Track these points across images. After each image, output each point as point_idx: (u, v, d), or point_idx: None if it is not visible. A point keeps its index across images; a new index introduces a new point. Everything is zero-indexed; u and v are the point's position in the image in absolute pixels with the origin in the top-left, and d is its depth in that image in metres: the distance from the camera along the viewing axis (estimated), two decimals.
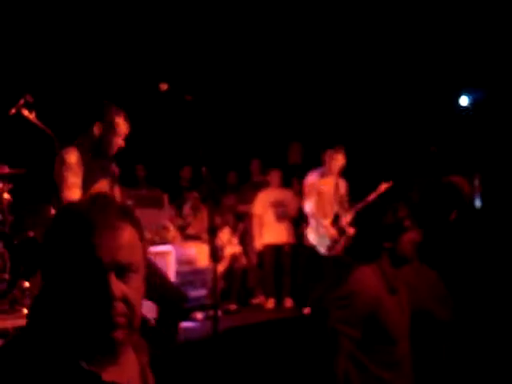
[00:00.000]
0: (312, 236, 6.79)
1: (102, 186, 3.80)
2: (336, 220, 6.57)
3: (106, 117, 3.76)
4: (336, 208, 6.64)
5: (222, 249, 7.37)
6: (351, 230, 6.39)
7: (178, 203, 7.72)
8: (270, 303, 7.63)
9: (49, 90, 6.43)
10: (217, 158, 5.23)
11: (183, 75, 6.69)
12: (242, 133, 9.44)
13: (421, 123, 5.67)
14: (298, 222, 7.98)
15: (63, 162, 3.62)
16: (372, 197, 6.49)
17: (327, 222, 6.61)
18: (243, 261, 7.67)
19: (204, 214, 7.29)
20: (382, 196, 6.26)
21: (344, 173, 6.78)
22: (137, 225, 1.28)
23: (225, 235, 7.62)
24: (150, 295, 3.99)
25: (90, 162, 3.73)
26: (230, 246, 7.56)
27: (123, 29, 7.98)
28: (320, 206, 6.67)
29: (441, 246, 3.58)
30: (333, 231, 6.56)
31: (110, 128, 3.75)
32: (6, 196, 4.79)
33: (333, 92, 8.82)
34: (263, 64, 9.06)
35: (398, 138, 8.15)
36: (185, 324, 6.13)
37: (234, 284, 7.43)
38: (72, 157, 3.62)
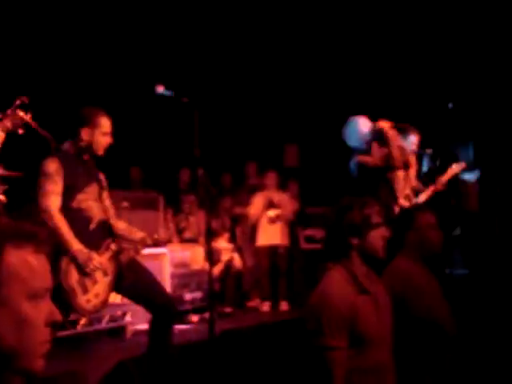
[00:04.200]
0: None
1: (94, 189, 3.88)
2: None
3: (91, 120, 3.84)
4: None
5: (218, 252, 7.34)
6: None
7: (174, 206, 7.69)
8: (266, 306, 7.60)
9: (45, 91, 6.41)
10: (212, 160, 5.22)
11: (179, 77, 6.68)
12: (238, 135, 9.41)
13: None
14: (294, 224, 7.97)
15: (42, 171, 3.73)
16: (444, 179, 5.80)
17: None
18: (238, 264, 7.64)
19: (201, 217, 7.29)
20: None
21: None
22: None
23: (223, 240, 7.60)
24: (139, 300, 4.03)
25: (77, 167, 3.81)
26: (227, 250, 7.53)
27: (119, 30, 7.96)
28: None
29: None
30: None
31: (97, 130, 3.83)
32: (1, 197, 4.75)
33: (330, 93, 8.80)
34: (259, 65, 9.04)
35: None
36: (180, 327, 6.11)
37: (229, 287, 7.40)
38: (51, 166, 3.72)
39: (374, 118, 5.53)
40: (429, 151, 6.21)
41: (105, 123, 3.87)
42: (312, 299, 2.64)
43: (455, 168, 5.89)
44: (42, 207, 3.66)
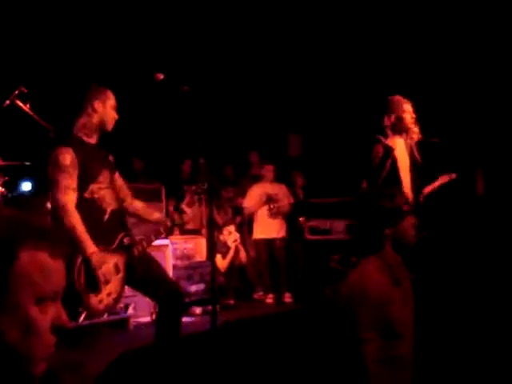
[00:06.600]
0: None
1: (106, 176, 3.78)
2: None
3: (102, 93, 3.79)
4: None
5: (225, 244, 7.28)
6: None
7: (177, 197, 7.65)
8: (269, 298, 7.57)
9: (43, 81, 6.35)
10: (215, 150, 5.15)
11: (179, 65, 6.62)
12: (240, 124, 9.35)
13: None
14: (292, 216, 7.91)
15: (56, 163, 3.56)
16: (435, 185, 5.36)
17: None
18: (243, 256, 7.59)
19: (203, 209, 7.23)
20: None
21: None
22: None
23: (229, 232, 7.51)
24: (148, 292, 3.98)
25: (89, 154, 3.70)
26: (234, 242, 7.45)
27: (118, 19, 7.89)
28: None
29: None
30: None
31: (107, 102, 3.78)
32: (0, 189, 4.72)
33: (333, 83, 8.73)
34: (261, 54, 8.96)
35: None
36: (182, 319, 6.07)
37: (233, 279, 7.36)
38: (66, 158, 3.57)
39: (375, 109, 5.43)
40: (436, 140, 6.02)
41: (112, 97, 3.83)
42: (346, 291, 2.60)
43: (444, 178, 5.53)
44: (58, 203, 3.51)
